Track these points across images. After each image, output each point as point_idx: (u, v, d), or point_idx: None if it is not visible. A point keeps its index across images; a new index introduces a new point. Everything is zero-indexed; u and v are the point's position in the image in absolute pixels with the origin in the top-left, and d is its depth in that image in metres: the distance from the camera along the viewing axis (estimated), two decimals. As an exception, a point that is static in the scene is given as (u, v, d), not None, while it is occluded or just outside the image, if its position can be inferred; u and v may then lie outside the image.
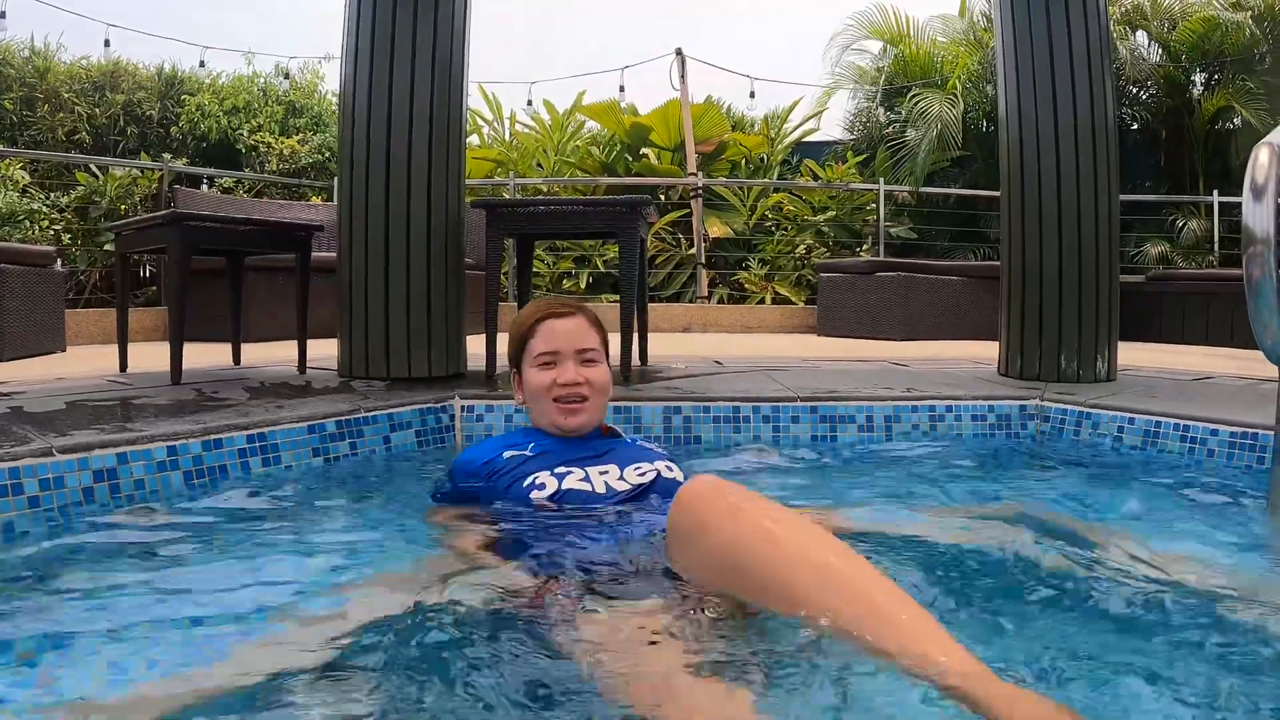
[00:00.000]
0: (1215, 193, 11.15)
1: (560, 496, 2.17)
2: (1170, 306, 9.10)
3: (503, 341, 4.45)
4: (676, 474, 2.29)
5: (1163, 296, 9.20)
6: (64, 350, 6.21)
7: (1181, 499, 2.86)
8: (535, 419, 2.43)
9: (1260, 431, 3.16)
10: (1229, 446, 3.26)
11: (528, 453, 2.31)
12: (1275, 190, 2.25)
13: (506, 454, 2.32)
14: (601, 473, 2.23)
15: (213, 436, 2.84)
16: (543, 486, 2.20)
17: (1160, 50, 12.71)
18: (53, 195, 9.25)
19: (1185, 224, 11.64)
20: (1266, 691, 1.42)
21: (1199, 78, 12.76)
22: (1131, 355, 5.67)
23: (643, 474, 2.24)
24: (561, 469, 2.22)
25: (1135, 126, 13.13)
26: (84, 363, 5.25)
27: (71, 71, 12.22)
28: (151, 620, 1.73)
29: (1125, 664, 1.49)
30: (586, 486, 2.19)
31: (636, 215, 4.33)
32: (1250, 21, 11.73)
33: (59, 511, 2.43)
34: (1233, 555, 2.29)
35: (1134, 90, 12.87)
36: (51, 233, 8.72)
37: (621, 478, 2.23)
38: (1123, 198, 5.02)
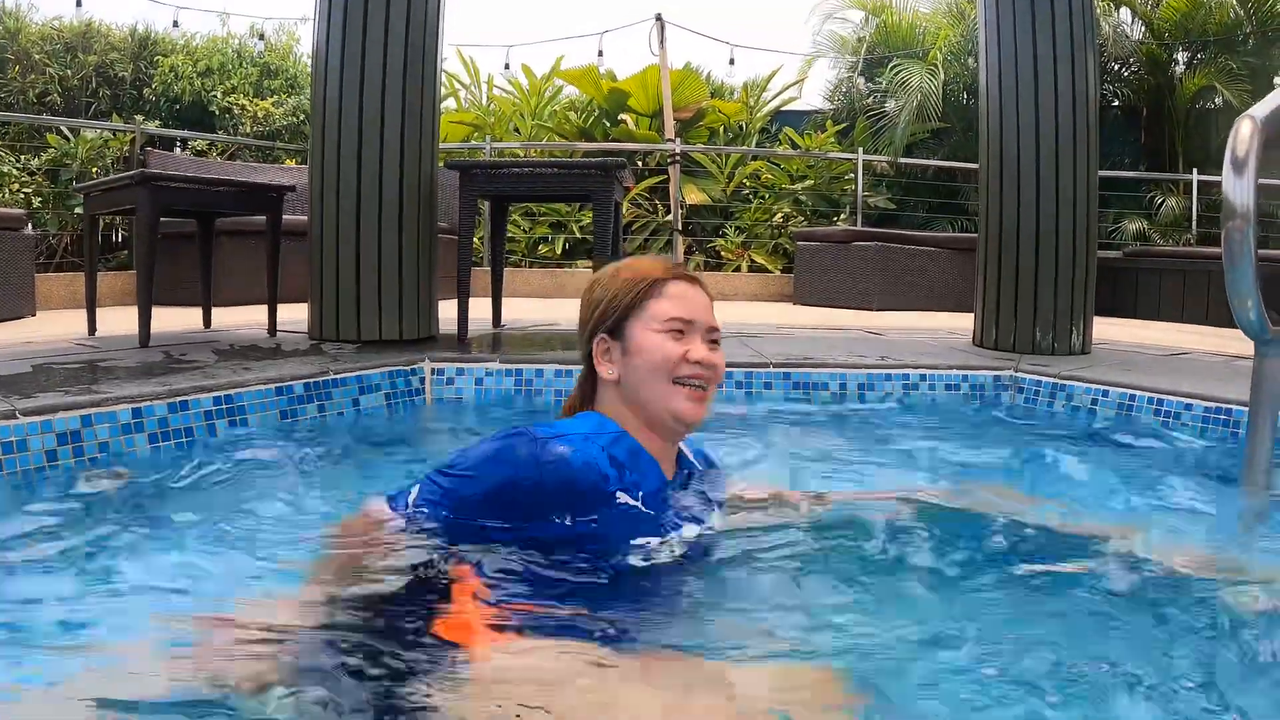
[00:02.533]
0: (1194, 171, 11.17)
1: None
2: (1146, 283, 9.13)
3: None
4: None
5: (1139, 273, 9.23)
6: (34, 315, 6.11)
7: (1154, 471, 2.87)
8: (636, 403, 1.82)
9: (1234, 406, 3.18)
10: (1202, 421, 3.27)
11: (639, 503, 1.72)
12: (1256, 164, 2.24)
13: (620, 496, 1.70)
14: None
15: (179, 398, 2.80)
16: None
17: (1143, 28, 12.71)
18: (23, 158, 9.09)
19: (1163, 201, 11.67)
20: (1233, 658, 1.43)
21: (1181, 56, 12.76)
22: (1106, 330, 5.69)
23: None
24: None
25: (1116, 104, 13.14)
26: (53, 327, 5.17)
27: (43, 32, 11.99)
28: (113, 585, 1.71)
29: (1098, 634, 1.49)
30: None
31: (610, 178, 4.29)
32: (1234, 1, 11.72)
33: (21, 475, 2.39)
34: (1205, 527, 2.29)
35: (1115, 67, 12.87)
36: (21, 196, 8.57)
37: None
38: (1101, 174, 5.02)
